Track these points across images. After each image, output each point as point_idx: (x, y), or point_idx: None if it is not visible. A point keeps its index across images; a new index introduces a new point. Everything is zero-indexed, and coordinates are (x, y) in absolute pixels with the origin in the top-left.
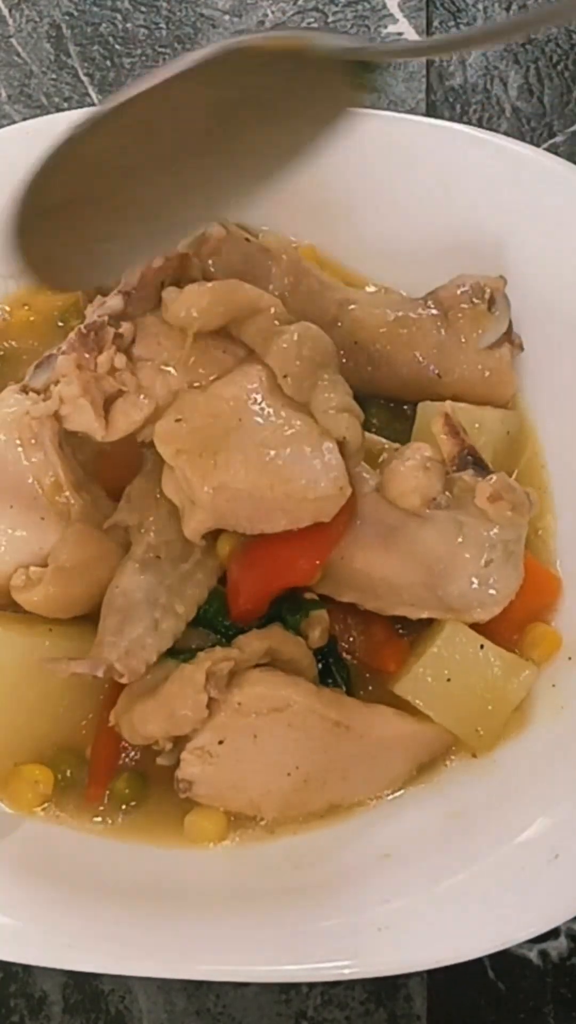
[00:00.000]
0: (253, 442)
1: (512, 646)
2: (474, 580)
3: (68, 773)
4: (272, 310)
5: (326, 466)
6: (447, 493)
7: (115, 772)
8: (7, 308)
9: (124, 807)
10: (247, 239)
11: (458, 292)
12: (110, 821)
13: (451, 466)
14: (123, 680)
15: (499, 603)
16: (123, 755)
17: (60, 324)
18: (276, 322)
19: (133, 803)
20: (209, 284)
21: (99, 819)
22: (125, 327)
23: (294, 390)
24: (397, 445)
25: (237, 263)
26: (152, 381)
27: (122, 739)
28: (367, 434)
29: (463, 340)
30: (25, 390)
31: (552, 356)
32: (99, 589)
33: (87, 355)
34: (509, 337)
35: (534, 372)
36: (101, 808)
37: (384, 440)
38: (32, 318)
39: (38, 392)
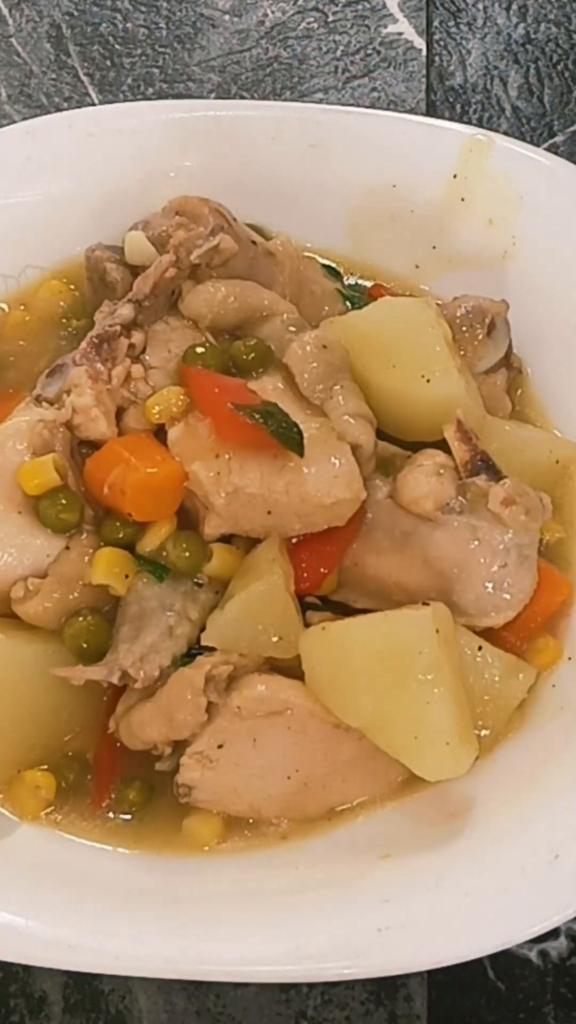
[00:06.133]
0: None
1: (520, 654)
2: (488, 584)
3: (71, 778)
4: (285, 315)
5: (341, 471)
6: (460, 498)
7: (118, 777)
8: (5, 307)
9: (127, 812)
10: (253, 241)
11: (458, 313)
12: (112, 825)
13: (464, 471)
14: (137, 685)
15: (514, 607)
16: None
17: (64, 321)
18: (291, 328)
19: (137, 809)
20: (227, 281)
21: (101, 823)
22: (136, 336)
23: (310, 392)
24: (408, 452)
25: (242, 269)
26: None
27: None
28: (379, 441)
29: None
30: (38, 400)
31: (557, 351)
32: (101, 603)
33: (99, 366)
34: (507, 361)
35: (541, 367)
36: (103, 812)
37: (396, 447)
38: (27, 318)
39: (51, 402)
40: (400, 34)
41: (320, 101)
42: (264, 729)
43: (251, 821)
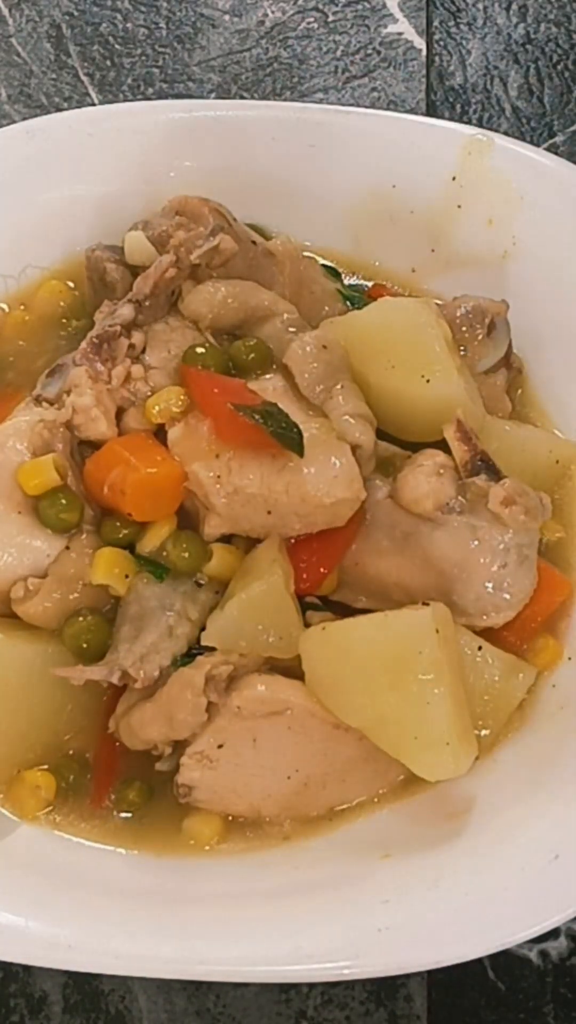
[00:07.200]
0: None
1: (520, 654)
2: (488, 584)
3: (71, 778)
4: (285, 315)
5: (341, 471)
6: (460, 498)
7: (118, 777)
8: (5, 307)
9: (127, 812)
10: (253, 241)
11: (458, 313)
12: (112, 825)
13: (464, 471)
14: (137, 685)
15: (513, 607)
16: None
17: (64, 321)
18: (291, 328)
19: (137, 809)
20: (227, 281)
21: (101, 823)
22: (136, 336)
23: (310, 392)
24: (408, 452)
25: (242, 269)
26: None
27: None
28: (379, 441)
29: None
30: (38, 400)
31: (557, 352)
32: (101, 603)
33: (99, 366)
34: (507, 361)
35: (541, 367)
36: (103, 812)
37: (396, 447)
38: (27, 318)
39: (51, 402)
40: (400, 34)
41: (320, 101)
42: (264, 729)
43: (252, 821)
